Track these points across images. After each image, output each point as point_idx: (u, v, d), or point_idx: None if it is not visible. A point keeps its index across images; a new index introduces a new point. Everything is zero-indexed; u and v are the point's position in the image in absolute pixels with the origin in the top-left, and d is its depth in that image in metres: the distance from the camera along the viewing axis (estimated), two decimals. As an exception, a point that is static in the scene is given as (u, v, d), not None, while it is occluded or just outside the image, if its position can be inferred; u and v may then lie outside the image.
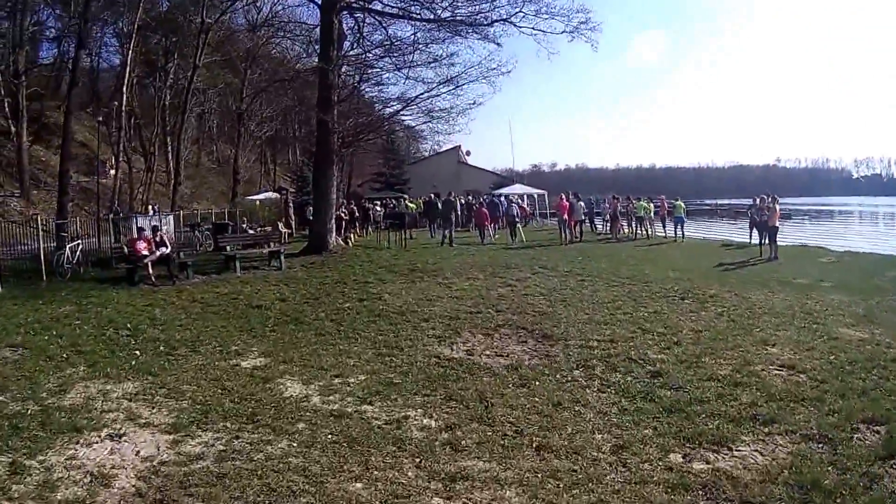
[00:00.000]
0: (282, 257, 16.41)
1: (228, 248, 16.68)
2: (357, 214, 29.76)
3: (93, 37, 35.23)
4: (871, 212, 63.04)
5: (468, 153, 58.41)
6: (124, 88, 31.31)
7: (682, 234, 23.91)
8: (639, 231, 24.73)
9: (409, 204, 31.92)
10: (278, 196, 33.83)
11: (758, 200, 21.62)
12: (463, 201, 34.83)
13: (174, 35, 37.33)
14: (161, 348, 8.27)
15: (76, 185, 29.51)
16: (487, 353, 7.96)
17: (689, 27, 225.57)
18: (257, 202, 34.46)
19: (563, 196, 22.76)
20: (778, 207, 18.18)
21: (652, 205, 24.69)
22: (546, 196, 41.38)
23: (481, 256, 17.78)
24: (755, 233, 21.47)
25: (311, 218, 23.07)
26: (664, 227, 25.62)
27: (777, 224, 17.96)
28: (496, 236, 24.37)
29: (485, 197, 31.56)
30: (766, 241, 20.80)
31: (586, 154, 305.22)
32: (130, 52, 31.30)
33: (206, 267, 16.06)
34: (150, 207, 29.86)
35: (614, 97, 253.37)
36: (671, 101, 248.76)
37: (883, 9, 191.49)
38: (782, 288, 12.66)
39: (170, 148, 38.49)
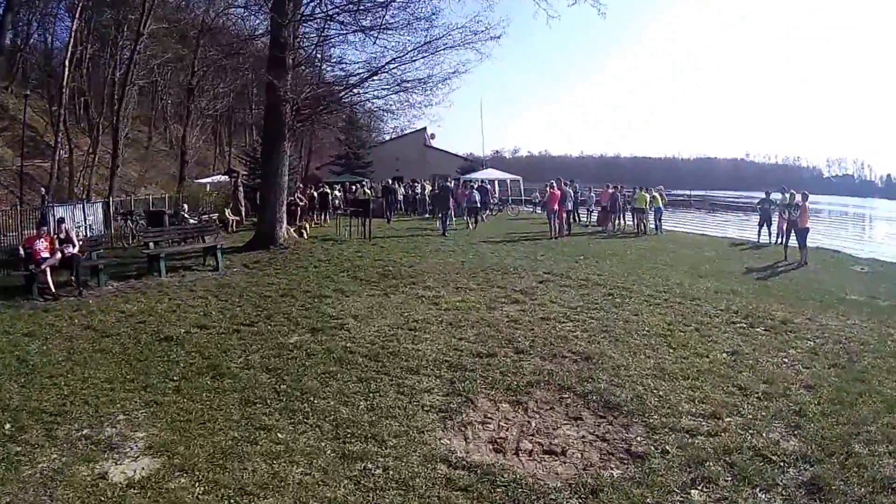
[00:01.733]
0: (219, 255, 13.00)
1: (151, 244, 12.99)
2: (315, 200, 26.30)
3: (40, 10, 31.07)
4: (841, 211, 62.17)
5: (433, 136, 55.02)
6: (66, 62, 27.07)
7: (660, 227, 21.53)
8: (636, 225, 21.87)
9: (367, 190, 28.50)
10: (228, 179, 30.03)
11: (780, 195, 19.07)
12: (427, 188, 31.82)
13: (124, 4, 32.79)
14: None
15: (13, 168, 25.18)
16: (527, 448, 4.79)
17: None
18: (207, 186, 30.56)
19: (555, 184, 19.67)
20: (808, 206, 15.46)
21: (657, 195, 21.82)
22: (521, 182, 38.41)
23: (464, 254, 14.61)
24: (765, 230, 19.07)
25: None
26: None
27: (808, 225, 15.28)
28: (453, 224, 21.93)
29: (440, 182, 28.20)
30: (783, 242, 18.52)
31: (549, 141, 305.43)
32: (76, 21, 27.49)
33: (128, 269, 12.66)
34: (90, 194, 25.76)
35: (579, 86, 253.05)
36: (637, 91, 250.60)
37: (860, 10, 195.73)
38: (850, 309, 9.94)
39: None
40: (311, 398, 5.59)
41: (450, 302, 9.17)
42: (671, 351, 7.09)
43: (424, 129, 50.31)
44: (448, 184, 23.46)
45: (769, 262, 15.25)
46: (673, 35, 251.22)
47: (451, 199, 21.54)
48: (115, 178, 29.51)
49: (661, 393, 5.77)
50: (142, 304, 9.44)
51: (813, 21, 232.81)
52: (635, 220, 21.95)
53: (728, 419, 5.25)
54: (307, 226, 20.90)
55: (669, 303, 9.57)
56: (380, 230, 20.37)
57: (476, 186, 26.37)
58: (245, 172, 34.04)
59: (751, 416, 5.32)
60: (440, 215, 21.06)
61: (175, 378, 6.13)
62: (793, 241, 15.62)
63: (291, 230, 18.64)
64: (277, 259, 13.92)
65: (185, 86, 37.96)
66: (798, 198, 15.91)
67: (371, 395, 5.68)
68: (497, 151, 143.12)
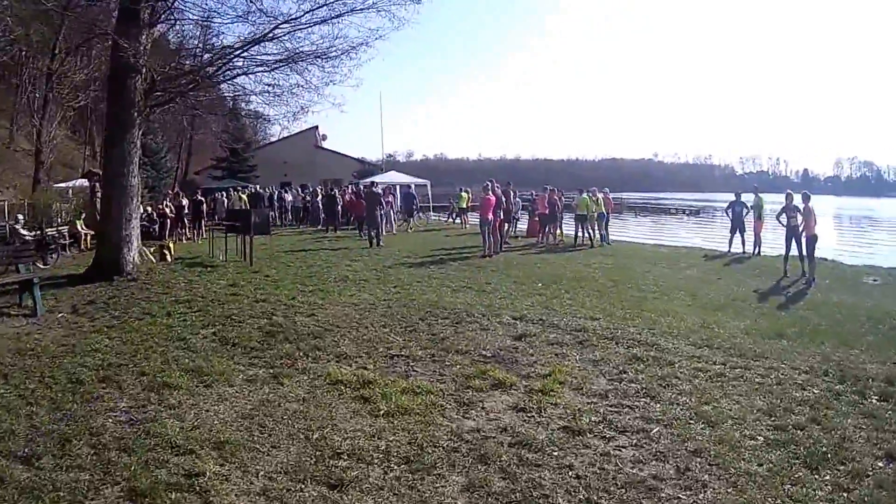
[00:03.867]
0: (37, 293, 8.47)
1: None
2: (187, 211, 21.17)
3: None
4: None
5: (324, 137, 50.29)
6: None
7: (606, 237, 18.62)
8: (581, 235, 18.57)
9: (242, 196, 23.66)
10: (88, 183, 23.90)
11: (753, 197, 16.49)
12: (321, 191, 27.54)
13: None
14: None
15: None
16: None
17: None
18: (70, 191, 24.29)
19: (490, 187, 15.89)
20: (812, 207, 12.71)
21: (601, 199, 18.51)
22: (428, 186, 34.61)
23: (384, 286, 10.57)
24: (737, 239, 16.39)
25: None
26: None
27: (816, 232, 12.50)
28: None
29: (364, 186, 24.03)
30: (757, 251, 15.94)
31: (445, 144, 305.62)
32: None
33: None
34: None
35: (479, 86, 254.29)
36: (538, 92, 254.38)
37: (764, 5, 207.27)
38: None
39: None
40: None
41: (389, 395, 5.03)
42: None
43: (316, 128, 45.66)
44: (376, 189, 19.96)
45: (770, 282, 12.41)
46: (574, 33, 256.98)
47: (379, 208, 18.64)
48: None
49: None
50: None
51: (718, 19, 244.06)
52: (577, 230, 18.67)
53: None
54: (171, 245, 15.90)
55: (731, 368, 6.06)
56: (264, 248, 15.84)
57: (404, 193, 24.53)
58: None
59: None
60: (365, 227, 19.04)
61: None
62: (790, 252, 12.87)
63: (148, 252, 13.75)
64: (120, 299, 9.30)
65: (46, 71, 31.00)
66: (797, 199, 13.16)
67: None
68: (391, 155, 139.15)
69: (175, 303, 8.94)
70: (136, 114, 12.06)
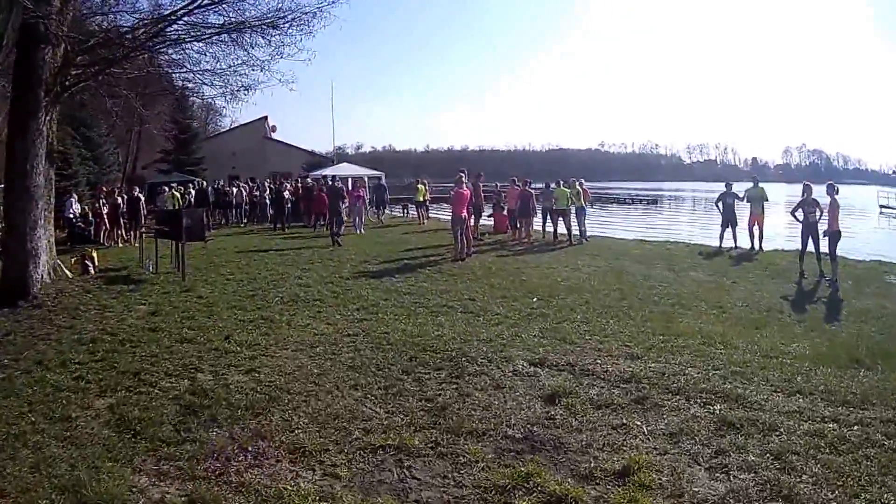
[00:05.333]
0: None
1: None
2: (123, 209, 18.28)
3: None
4: (706, 198, 62.96)
5: (274, 129, 47.20)
6: None
7: (584, 232, 16.70)
8: (558, 230, 16.72)
9: (175, 193, 20.96)
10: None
11: (752, 186, 15.00)
12: (268, 186, 25.06)
13: None
14: None
15: None
16: None
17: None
18: None
19: (463, 178, 13.76)
20: (838, 200, 11.20)
21: (579, 189, 16.60)
22: (383, 178, 32.21)
23: (345, 309, 8.42)
24: (728, 233, 14.90)
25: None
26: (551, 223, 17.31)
27: (839, 228, 11.00)
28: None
29: (329, 180, 21.55)
30: (758, 246, 14.51)
31: (391, 136, 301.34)
32: None
33: None
34: None
35: (423, 77, 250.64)
36: (485, 83, 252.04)
37: None
38: None
39: None
40: None
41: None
42: None
43: (265, 118, 42.78)
44: (337, 185, 18.37)
45: (790, 284, 10.86)
46: (518, 21, 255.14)
47: (340, 204, 17.39)
48: None
49: None
50: None
51: (665, 9, 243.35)
52: (555, 225, 16.82)
53: None
54: (95, 255, 13.08)
55: (846, 426, 4.34)
56: (204, 254, 13.48)
57: (374, 185, 24.23)
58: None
59: None
60: (328, 223, 17.95)
61: None
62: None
63: (63, 266, 11.19)
64: (16, 336, 7.21)
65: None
66: (820, 191, 11.62)
67: None
68: (340, 147, 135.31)
69: (77, 344, 6.68)
70: (42, 95, 9.59)
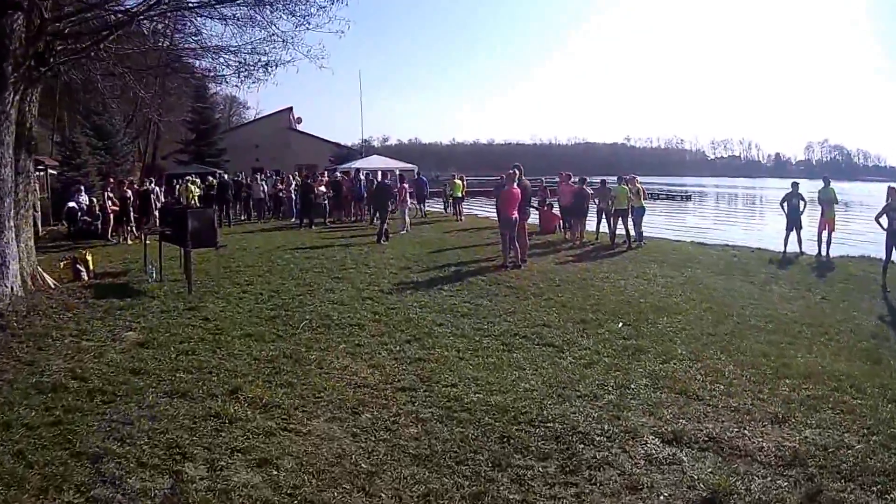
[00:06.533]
0: None
1: None
2: (134, 203, 16.69)
3: None
4: (731, 193, 60.23)
5: (299, 120, 45.58)
6: None
7: (641, 235, 14.72)
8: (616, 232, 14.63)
9: (191, 188, 19.24)
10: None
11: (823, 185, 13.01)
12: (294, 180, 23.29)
13: None
14: None
15: None
16: None
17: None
18: None
19: (515, 174, 11.73)
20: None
21: (638, 186, 14.48)
22: (416, 172, 30.33)
23: (394, 338, 6.50)
24: (793, 237, 13.50)
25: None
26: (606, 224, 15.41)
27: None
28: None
29: (377, 181, 19.74)
30: (824, 252, 13.37)
31: (418, 129, 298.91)
32: None
33: None
34: None
35: (452, 70, 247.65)
36: (513, 78, 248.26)
37: None
38: None
39: None
40: None
41: None
42: None
43: (290, 109, 41.12)
44: (386, 181, 17.50)
45: (877, 300, 9.49)
46: (545, 18, 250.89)
47: (390, 202, 16.62)
48: None
49: None
50: None
51: (690, 3, 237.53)
52: (613, 227, 14.76)
53: None
54: (90, 258, 11.37)
55: None
56: (219, 256, 11.73)
57: (415, 179, 24.22)
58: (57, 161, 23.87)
59: None
60: (376, 220, 17.35)
61: None
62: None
63: (44, 274, 9.52)
64: None
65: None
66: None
67: None
68: (366, 140, 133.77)
69: (32, 393, 4.96)
70: (11, 70, 7.85)
